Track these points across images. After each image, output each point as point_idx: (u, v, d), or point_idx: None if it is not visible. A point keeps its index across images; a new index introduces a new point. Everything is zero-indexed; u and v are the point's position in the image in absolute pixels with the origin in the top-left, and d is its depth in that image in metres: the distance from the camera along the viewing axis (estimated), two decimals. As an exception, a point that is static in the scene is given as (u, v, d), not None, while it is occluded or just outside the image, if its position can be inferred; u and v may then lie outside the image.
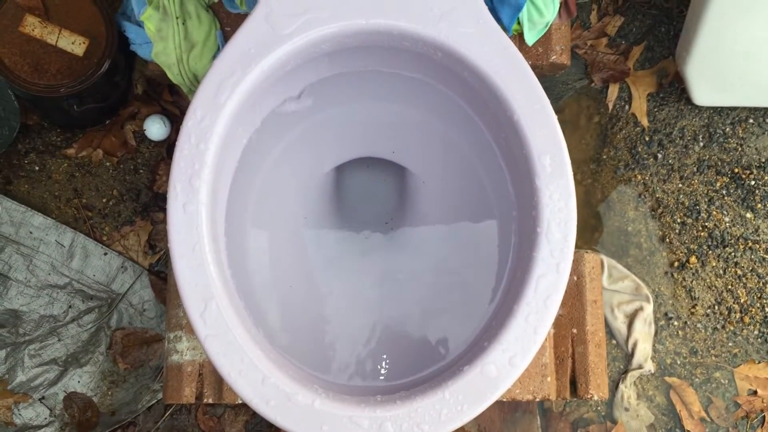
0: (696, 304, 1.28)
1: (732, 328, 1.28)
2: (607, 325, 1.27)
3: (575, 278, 1.12)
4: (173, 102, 1.30)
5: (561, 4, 1.12)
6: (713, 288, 1.29)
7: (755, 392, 1.26)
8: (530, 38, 1.11)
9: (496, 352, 0.73)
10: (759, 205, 1.30)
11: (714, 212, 1.30)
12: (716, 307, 1.28)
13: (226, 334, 0.73)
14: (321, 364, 0.83)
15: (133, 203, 1.29)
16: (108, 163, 1.29)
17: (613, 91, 1.33)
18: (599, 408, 1.26)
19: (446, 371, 0.76)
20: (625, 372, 1.26)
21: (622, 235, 1.30)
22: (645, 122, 1.32)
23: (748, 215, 1.30)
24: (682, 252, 1.29)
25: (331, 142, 0.94)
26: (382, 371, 0.83)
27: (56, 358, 1.24)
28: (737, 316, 1.28)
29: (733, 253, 1.29)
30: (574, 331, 1.10)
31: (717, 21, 1.12)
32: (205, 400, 1.07)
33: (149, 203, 1.29)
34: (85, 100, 1.18)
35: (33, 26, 1.11)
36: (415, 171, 0.97)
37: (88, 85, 1.13)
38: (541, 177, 0.75)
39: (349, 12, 0.78)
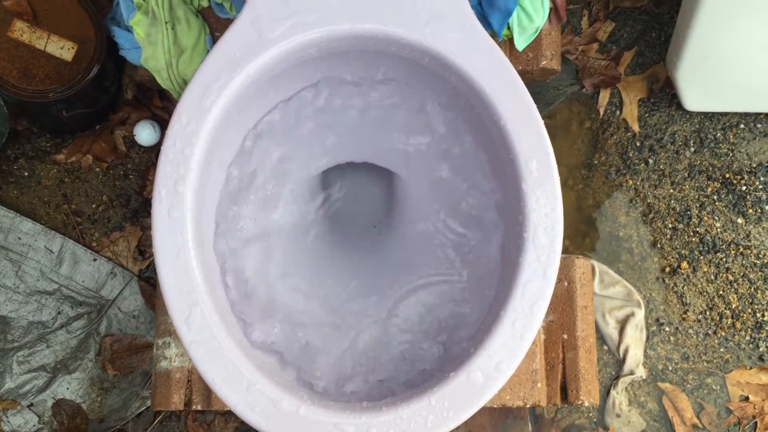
0: (687, 310, 1.28)
1: (723, 333, 1.27)
2: (598, 330, 1.27)
3: (566, 284, 1.11)
4: (163, 107, 1.29)
5: (551, 9, 1.12)
6: (705, 293, 1.28)
7: (747, 398, 1.26)
8: (520, 43, 1.11)
9: (482, 358, 0.73)
10: (750, 211, 1.30)
11: (705, 217, 1.30)
12: (708, 313, 1.28)
13: (210, 340, 0.72)
14: (307, 370, 0.82)
15: (122, 209, 1.29)
16: (98, 169, 1.29)
17: (605, 96, 1.33)
18: (591, 414, 1.26)
19: (433, 377, 0.75)
20: (617, 378, 1.26)
21: (614, 240, 1.30)
22: (636, 127, 1.32)
23: (740, 220, 1.30)
24: (673, 257, 1.29)
25: (319, 146, 0.93)
26: (368, 377, 0.82)
27: (45, 364, 1.23)
28: (729, 322, 1.28)
29: (724, 259, 1.29)
30: (565, 336, 1.10)
31: (707, 26, 1.13)
32: (194, 407, 1.06)
33: (139, 209, 1.28)
34: (74, 106, 1.17)
35: (21, 31, 1.11)
36: (403, 175, 0.97)
37: (77, 90, 1.13)
38: (527, 182, 0.75)
39: (335, 16, 0.78)
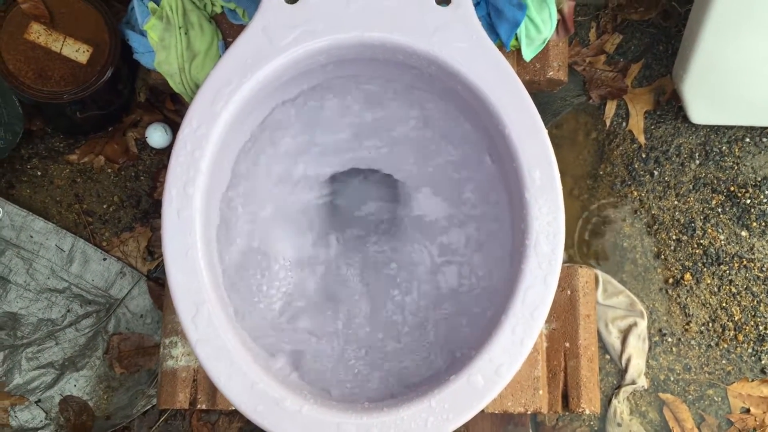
0: (690, 321, 1.29)
1: (726, 345, 1.28)
2: (601, 340, 1.28)
3: (569, 292, 1.12)
4: (175, 110, 1.31)
5: (558, 21, 1.14)
6: (707, 305, 1.29)
7: (748, 410, 1.27)
8: (528, 54, 1.13)
9: (482, 362, 0.74)
10: (754, 224, 1.30)
11: (709, 230, 1.31)
12: (710, 325, 1.29)
13: (216, 338, 0.74)
14: (310, 371, 0.83)
15: (133, 210, 1.31)
16: (109, 170, 1.31)
17: (611, 108, 1.34)
18: (592, 423, 1.27)
19: (434, 380, 0.77)
20: (619, 387, 1.26)
21: (618, 250, 1.31)
22: (642, 139, 1.33)
23: (744, 233, 1.30)
24: (677, 269, 1.30)
25: (324, 151, 0.95)
26: (371, 379, 0.84)
27: (53, 361, 1.25)
28: (731, 334, 1.28)
29: (727, 271, 1.29)
30: (567, 345, 1.11)
31: (713, 40, 1.14)
32: (199, 406, 1.07)
33: (149, 210, 1.30)
34: (87, 107, 1.19)
35: (38, 33, 1.13)
36: (407, 181, 0.98)
37: (91, 92, 1.15)
38: (530, 190, 0.77)
39: (344, 25, 0.80)
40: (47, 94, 1.14)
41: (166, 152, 1.31)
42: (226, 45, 1.14)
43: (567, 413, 1.18)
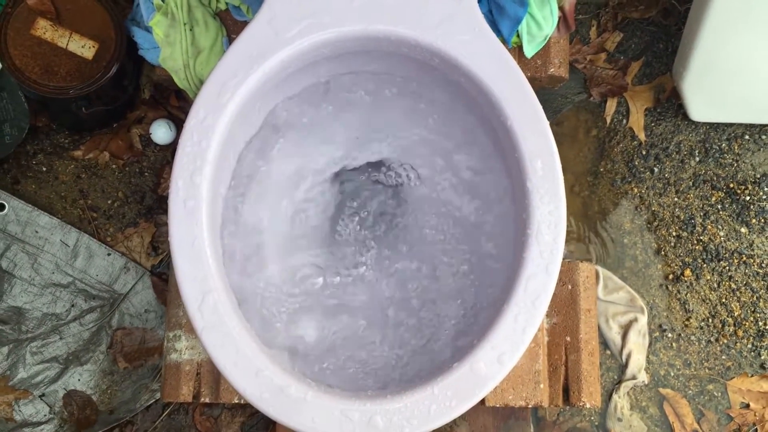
0: (690, 317, 1.29)
1: (726, 341, 1.29)
2: (601, 335, 1.28)
3: (570, 287, 1.13)
4: (180, 107, 1.32)
5: (560, 18, 1.15)
6: (707, 301, 1.30)
7: (748, 405, 1.27)
8: (529, 51, 1.14)
9: (485, 350, 0.75)
10: (753, 220, 1.31)
11: (709, 226, 1.32)
12: (710, 320, 1.30)
13: (222, 326, 0.75)
14: (316, 358, 0.84)
15: (137, 205, 1.31)
16: (114, 166, 1.32)
17: (611, 105, 1.35)
18: (592, 417, 1.27)
19: (436, 368, 0.78)
20: (619, 382, 1.27)
21: (618, 246, 1.32)
22: (642, 136, 1.34)
23: (743, 230, 1.31)
24: (677, 265, 1.31)
25: (330, 146, 0.96)
26: (375, 368, 0.84)
27: (57, 355, 1.26)
28: (731, 330, 1.29)
29: (727, 267, 1.30)
30: (568, 339, 1.12)
31: (713, 38, 1.15)
32: (202, 399, 1.08)
33: (153, 206, 1.31)
34: (93, 103, 1.20)
35: (44, 29, 1.14)
36: (411, 174, 0.99)
37: (96, 88, 1.16)
38: (532, 180, 0.77)
39: (350, 17, 0.81)
40: (53, 90, 1.15)
41: (170, 148, 1.32)
42: (231, 41, 1.14)
43: (568, 407, 1.19)
